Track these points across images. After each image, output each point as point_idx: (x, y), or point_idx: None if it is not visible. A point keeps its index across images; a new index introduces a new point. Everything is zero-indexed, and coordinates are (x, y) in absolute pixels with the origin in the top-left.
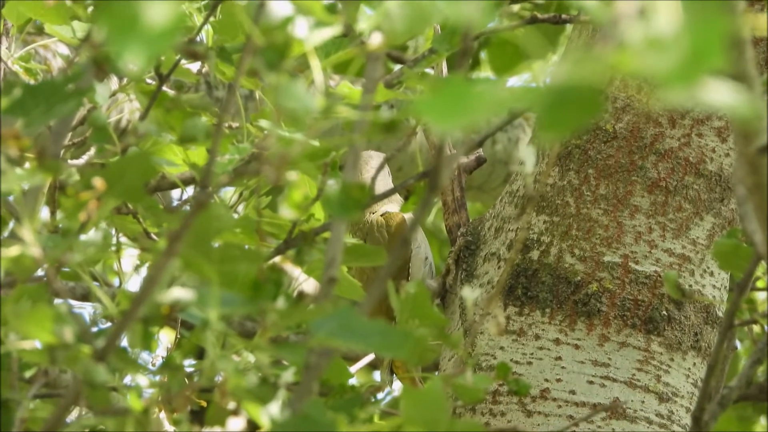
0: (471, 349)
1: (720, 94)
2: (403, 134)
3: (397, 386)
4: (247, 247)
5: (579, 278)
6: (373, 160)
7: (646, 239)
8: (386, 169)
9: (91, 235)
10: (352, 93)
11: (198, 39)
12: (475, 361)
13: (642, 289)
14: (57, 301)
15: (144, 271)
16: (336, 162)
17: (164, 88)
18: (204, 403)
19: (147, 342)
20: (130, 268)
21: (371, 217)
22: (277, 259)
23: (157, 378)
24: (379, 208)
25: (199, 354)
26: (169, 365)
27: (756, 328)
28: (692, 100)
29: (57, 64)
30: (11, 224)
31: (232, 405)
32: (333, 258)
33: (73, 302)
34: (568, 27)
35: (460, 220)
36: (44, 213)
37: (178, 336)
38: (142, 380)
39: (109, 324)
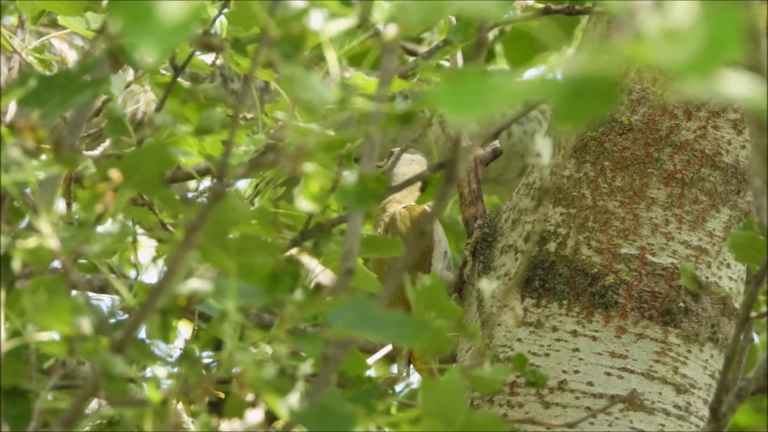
0: (488, 340)
1: (736, 86)
2: (419, 125)
3: (415, 378)
4: (263, 238)
5: (596, 270)
6: (414, 163)
7: (663, 231)
8: (420, 161)
9: (108, 226)
10: (366, 84)
11: (212, 30)
12: (493, 352)
13: (659, 281)
14: (74, 292)
15: (161, 263)
16: (351, 153)
17: (179, 79)
18: (222, 395)
19: (165, 333)
20: (147, 260)
21: (394, 209)
22: (294, 250)
23: (175, 369)
24: (403, 200)
25: (217, 345)
26: (186, 357)
27: None
28: (708, 91)
29: (72, 56)
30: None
31: (250, 396)
32: (350, 249)
33: (90, 294)
34: (583, 19)
35: (476, 212)
36: (60, 205)
37: (196, 327)
38: (160, 371)
39: (126, 316)
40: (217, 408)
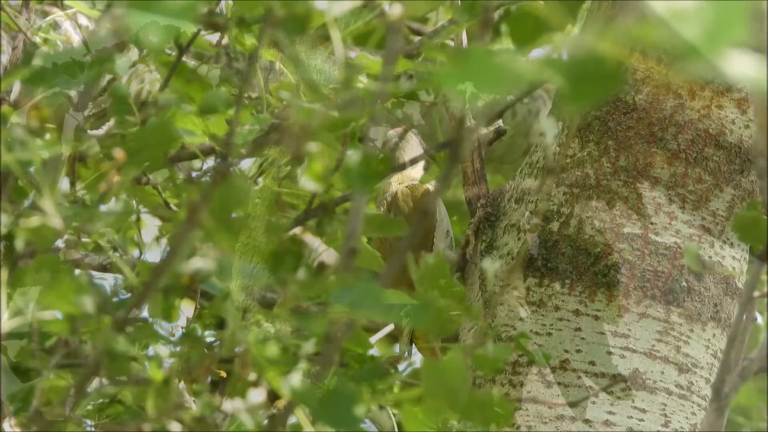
0: (491, 320)
1: (741, 66)
2: (424, 105)
3: (418, 357)
4: (267, 218)
5: (599, 249)
6: (412, 139)
7: (666, 210)
8: (418, 141)
9: (111, 205)
10: (371, 64)
11: (217, 10)
12: (495, 332)
13: (662, 261)
14: (77, 271)
15: (164, 242)
16: (355, 133)
17: (184, 59)
18: (224, 374)
19: (168, 312)
20: (151, 239)
21: (396, 188)
22: (298, 230)
23: (178, 348)
24: (405, 179)
25: (219, 325)
26: (189, 336)
27: None
28: (713, 71)
29: (77, 36)
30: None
31: (252, 376)
32: (353, 229)
33: (93, 273)
34: None
35: (479, 191)
36: (64, 184)
37: (199, 306)
38: (163, 350)
39: (129, 295)
40: (219, 387)
